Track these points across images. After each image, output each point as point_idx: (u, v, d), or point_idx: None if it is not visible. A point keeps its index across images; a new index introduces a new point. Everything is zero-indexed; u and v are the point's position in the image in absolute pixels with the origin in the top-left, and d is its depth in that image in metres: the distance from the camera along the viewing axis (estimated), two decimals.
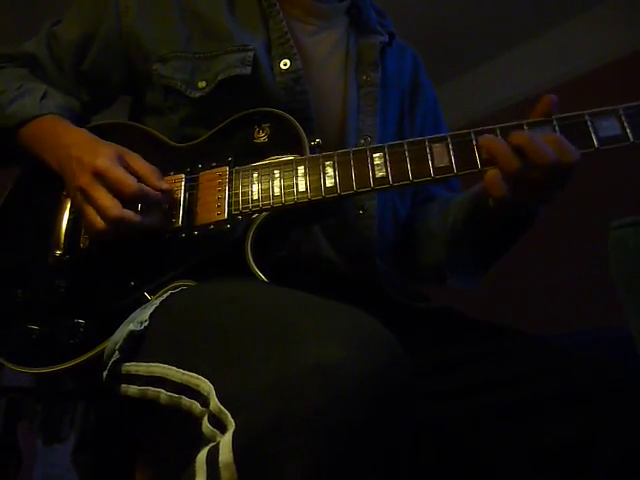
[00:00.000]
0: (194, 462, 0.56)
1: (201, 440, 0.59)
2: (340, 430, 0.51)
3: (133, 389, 0.74)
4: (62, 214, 0.91)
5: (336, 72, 1.05)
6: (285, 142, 0.87)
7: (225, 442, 0.53)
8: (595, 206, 2.39)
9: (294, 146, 0.86)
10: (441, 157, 0.79)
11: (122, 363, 0.76)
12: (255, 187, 0.84)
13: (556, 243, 2.68)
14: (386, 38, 1.09)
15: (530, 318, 1.90)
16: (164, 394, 0.69)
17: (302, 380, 0.52)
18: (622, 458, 0.73)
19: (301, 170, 0.83)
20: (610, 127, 0.77)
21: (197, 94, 0.95)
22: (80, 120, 0.99)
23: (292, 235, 0.89)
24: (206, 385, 0.61)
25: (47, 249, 0.89)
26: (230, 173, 0.86)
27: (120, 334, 0.76)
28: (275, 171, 0.84)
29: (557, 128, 0.78)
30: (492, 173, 0.77)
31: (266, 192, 0.83)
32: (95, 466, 2.01)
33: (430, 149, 0.80)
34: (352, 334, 0.56)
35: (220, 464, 0.52)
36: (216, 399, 0.58)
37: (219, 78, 0.94)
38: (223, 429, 0.56)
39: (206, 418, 0.59)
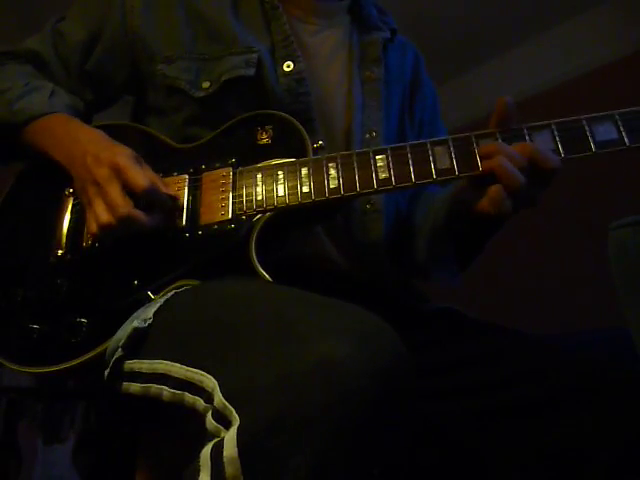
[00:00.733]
0: (198, 457, 0.56)
1: (201, 439, 0.60)
2: (344, 426, 0.51)
3: (135, 386, 0.74)
4: (64, 213, 0.91)
5: (340, 70, 1.05)
6: (288, 144, 0.88)
7: (230, 437, 0.53)
8: (595, 206, 2.40)
9: (297, 148, 0.87)
10: (443, 159, 0.81)
11: (125, 361, 0.76)
12: (259, 188, 0.84)
13: (556, 243, 2.69)
14: (388, 34, 1.10)
15: (530, 318, 1.90)
16: (167, 391, 0.69)
17: (306, 376, 0.53)
18: (621, 458, 0.73)
19: (305, 171, 0.84)
20: (607, 131, 0.79)
21: (201, 94, 0.95)
22: (83, 120, 0.98)
23: (295, 235, 0.90)
24: (210, 381, 0.62)
25: (48, 248, 0.89)
26: (234, 174, 0.87)
27: (123, 332, 0.76)
28: (279, 172, 0.85)
29: (555, 132, 0.80)
30: (496, 190, 0.78)
31: (270, 193, 0.83)
32: (95, 466, 2.01)
33: (432, 151, 0.82)
34: (356, 331, 0.57)
35: (225, 459, 0.53)
36: (220, 395, 0.58)
37: (223, 79, 0.95)
38: (227, 425, 0.56)
39: (210, 414, 0.60)
